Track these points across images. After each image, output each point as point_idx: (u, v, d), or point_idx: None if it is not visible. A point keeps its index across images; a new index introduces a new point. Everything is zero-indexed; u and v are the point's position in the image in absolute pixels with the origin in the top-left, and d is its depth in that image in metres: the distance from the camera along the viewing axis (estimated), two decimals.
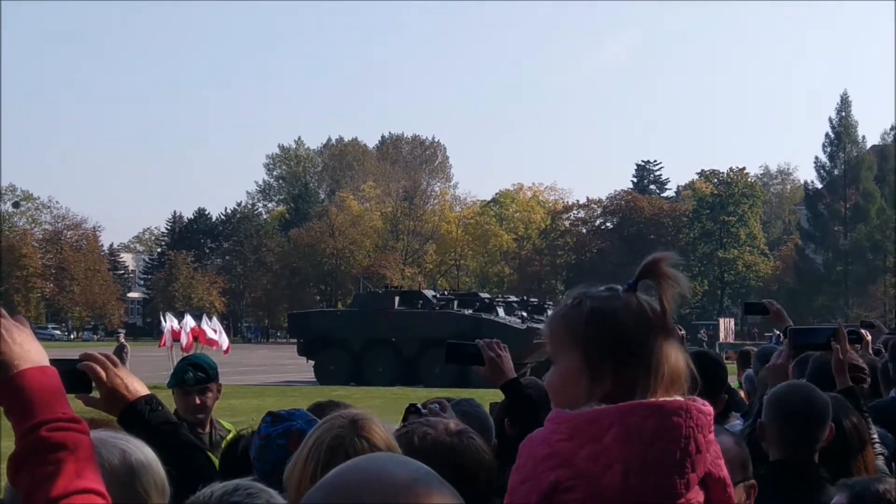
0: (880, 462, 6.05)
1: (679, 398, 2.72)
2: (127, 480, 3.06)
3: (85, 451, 2.40)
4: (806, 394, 5.24)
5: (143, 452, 3.16)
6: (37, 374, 2.46)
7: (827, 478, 4.95)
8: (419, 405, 5.77)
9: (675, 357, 2.76)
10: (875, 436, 6.21)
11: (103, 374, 3.95)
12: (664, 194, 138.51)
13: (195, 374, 7.40)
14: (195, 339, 47.25)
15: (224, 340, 48.99)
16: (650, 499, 2.63)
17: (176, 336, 47.56)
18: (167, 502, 3.15)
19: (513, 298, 59.29)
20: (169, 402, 5.14)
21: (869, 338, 8.89)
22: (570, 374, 2.82)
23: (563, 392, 2.82)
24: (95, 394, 4.00)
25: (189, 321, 48.75)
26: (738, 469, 4.05)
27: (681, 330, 8.98)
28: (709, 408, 2.75)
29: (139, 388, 4.06)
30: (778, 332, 9.74)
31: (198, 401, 7.38)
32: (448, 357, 6.08)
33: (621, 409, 2.64)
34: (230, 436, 7.72)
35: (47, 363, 2.53)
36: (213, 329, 49.44)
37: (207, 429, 7.47)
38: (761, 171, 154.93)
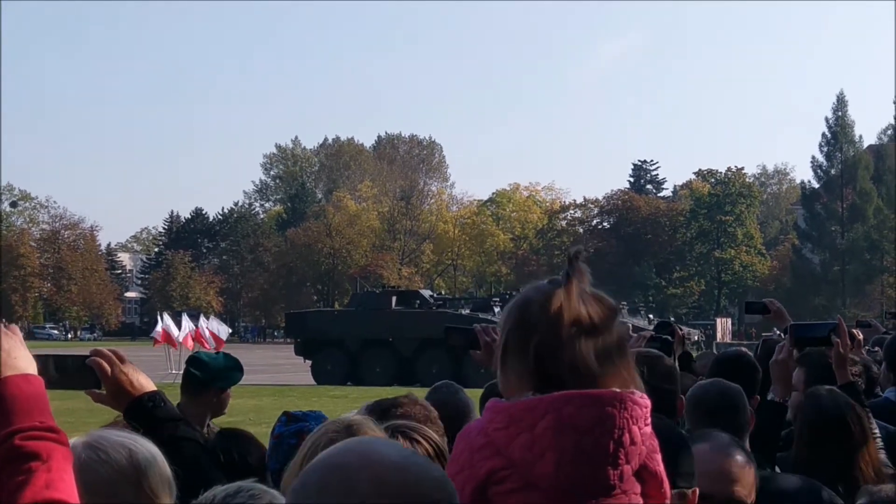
0: (882, 456, 6.06)
1: (615, 389, 2.67)
2: (135, 480, 3.07)
3: (59, 461, 2.33)
4: (716, 388, 5.42)
5: (149, 451, 3.16)
6: (19, 382, 2.39)
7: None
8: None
9: (592, 356, 2.69)
10: (876, 430, 6.23)
11: (108, 369, 3.99)
12: (661, 194, 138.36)
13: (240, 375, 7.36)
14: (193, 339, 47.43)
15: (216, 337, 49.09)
16: (583, 489, 2.61)
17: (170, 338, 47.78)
18: (174, 501, 3.16)
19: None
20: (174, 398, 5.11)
21: (861, 337, 8.92)
22: (497, 362, 2.82)
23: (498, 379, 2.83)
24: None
25: (188, 324, 48.94)
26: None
27: (681, 330, 8.99)
28: (646, 400, 2.71)
29: (145, 384, 4.07)
30: (778, 332, 9.75)
31: (223, 402, 7.36)
32: (448, 341, 6.27)
33: (556, 399, 2.61)
34: None
35: (33, 371, 2.47)
36: (211, 331, 49.62)
37: (204, 430, 7.46)
38: (758, 171, 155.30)
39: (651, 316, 61.10)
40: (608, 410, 2.62)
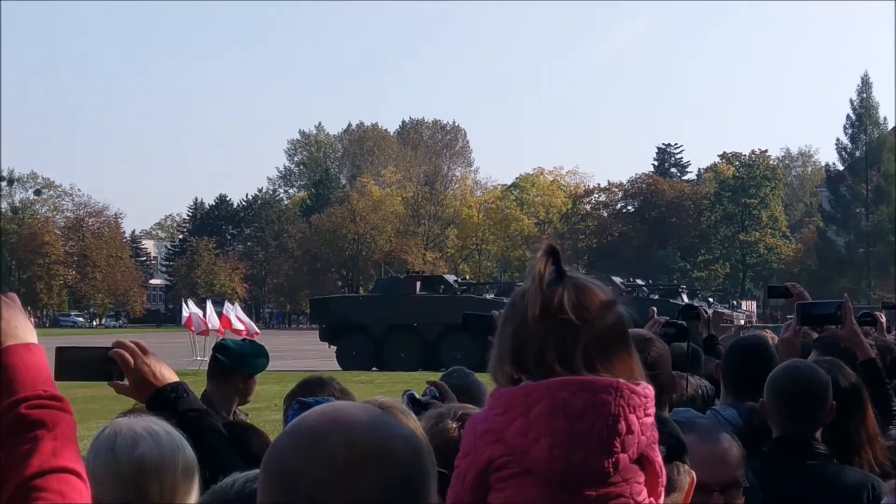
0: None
1: (610, 377, 2.71)
2: (132, 474, 3.12)
3: (64, 429, 2.35)
4: (801, 373, 5.23)
5: (160, 448, 3.21)
6: (21, 351, 2.39)
7: (827, 453, 5.00)
8: (415, 395, 5.81)
9: (553, 349, 2.73)
10: None
11: (131, 361, 4.04)
12: (685, 177, 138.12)
13: (266, 362, 7.40)
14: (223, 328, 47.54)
15: (252, 327, 49.18)
16: (577, 475, 2.64)
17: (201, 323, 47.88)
18: (194, 499, 3.21)
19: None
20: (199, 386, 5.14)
21: (883, 320, 8.85)
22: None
23: None
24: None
25: (212, 311, 49.07)
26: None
27: (706, 313, 8.95)
28: (647, 390, 2.74)
29: (168, 375, 4.13)
30: None
31: (251, 389, 7.37)
32: (465, 327, 6.33)
33: (551, 385, 2.66)
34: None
35: (34, 340, 2.45)
36: (238, 318, 49.66)
37: (230, 417, 7.48)
38: (782, 154, 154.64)
39: (710, 299, 60.83)
40: (602, 397, 2.65)
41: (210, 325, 47.81)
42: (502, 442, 2.68)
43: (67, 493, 2.29)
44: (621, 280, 58.18)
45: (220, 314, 49.54)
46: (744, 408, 6.05)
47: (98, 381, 4.12)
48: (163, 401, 4.06)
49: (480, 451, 2.70)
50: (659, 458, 2.79)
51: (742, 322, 52.01)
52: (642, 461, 2.73)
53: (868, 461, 5.37)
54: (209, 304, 52.00)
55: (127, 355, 4.04)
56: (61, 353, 4.04)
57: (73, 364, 4.06)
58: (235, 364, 7.16)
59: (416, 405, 5.69)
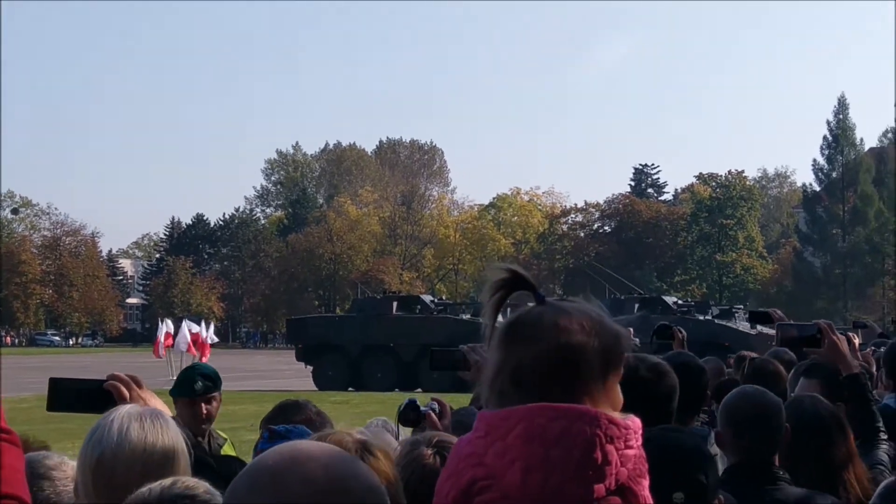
0: (884, 456, 6.07)
1: (590, 406, 2.68)
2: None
3: (12, 459, 2.49)
4: (754, 397, 5.23)
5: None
6: None
7: (785, 477, 4.98)
8: (417, 402, 5.80)
9: (532, 372, 2.72)
10: (880, 423, 6.25)
11: (126, 393, 4.05)
12: (662, 198, 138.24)
13: (204, 384, 7.36)
14: (193, 343, 47.54)
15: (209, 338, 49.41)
16: (552, 500, 2.60)
17: (169, 343, 47.90)
18: None
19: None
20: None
21: (857, 341, 8.82)
22: None
23: None
24: None
25: (186, 328, 49.00)
26: None
27: (681, 332, 8.89)
28: (627, 421, 2.70)
29: (160, 409, 4.06)
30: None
31: (204, 411, 7.34)
32: (433, 364, 6.17)
33: (530, 409, 2.64)
34: (226, 445, 7.74)
35: None
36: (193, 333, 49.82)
37: (206, 438, 7.44)
38: (759, 175, 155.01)
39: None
40: (578, 426, 2.62)
41: (180, 345, 47.93)
42: (483, 464, 2.65)
43: None
44: (674, 301, 57.71)
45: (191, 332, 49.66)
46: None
47: (91, 413, 4.08)
48: None
49: (463, 472, 2.67)
50: (645, 492, 2.72)
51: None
52: (625, 492, 2.67)
53: (854, 487, 5.37)
54: (185, 323, 51.93)
55: (122, 388, 4.05)
56: (55, 384, 4.14)
57: (66, 395, 4.13)
58: (173, 391, 7.32)
59: (415, 412, 5.70)
